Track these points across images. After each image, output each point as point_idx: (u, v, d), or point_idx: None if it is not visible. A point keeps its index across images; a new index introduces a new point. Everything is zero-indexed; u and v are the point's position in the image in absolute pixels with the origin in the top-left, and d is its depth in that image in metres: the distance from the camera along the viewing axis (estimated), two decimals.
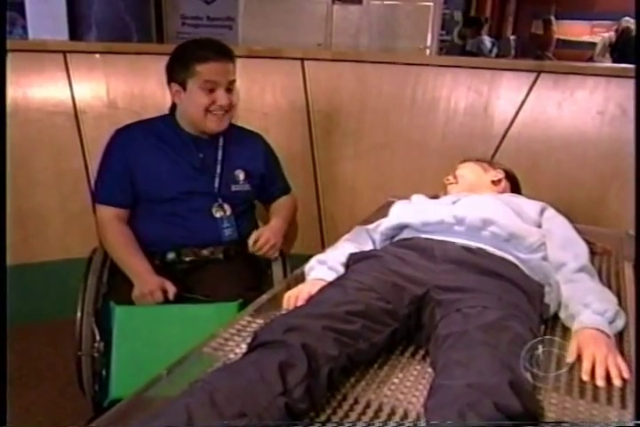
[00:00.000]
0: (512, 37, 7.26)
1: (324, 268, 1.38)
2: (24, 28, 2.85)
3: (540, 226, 1.49)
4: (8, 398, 0.99)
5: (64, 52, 2.15)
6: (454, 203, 1.53)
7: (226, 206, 1.78)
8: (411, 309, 1.18)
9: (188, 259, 1.76)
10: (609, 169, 2.07)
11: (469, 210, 1.42)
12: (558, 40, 7.08)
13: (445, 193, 1.72)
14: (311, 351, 0.96)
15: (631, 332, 1.22)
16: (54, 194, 2.24)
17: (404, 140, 2.29)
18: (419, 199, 1.63)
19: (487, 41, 6.08)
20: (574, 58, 6.52)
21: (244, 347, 1.13)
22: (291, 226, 2.23)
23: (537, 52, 6.48)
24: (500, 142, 2.17)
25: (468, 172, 1.74)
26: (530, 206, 1.54)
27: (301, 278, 1.42)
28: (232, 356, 1.10)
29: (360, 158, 2.36)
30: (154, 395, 0.98)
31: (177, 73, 1.69)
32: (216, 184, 1.78)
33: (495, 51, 6.18)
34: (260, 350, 0.99)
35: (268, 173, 1.90)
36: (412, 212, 1.51)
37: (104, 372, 1.52)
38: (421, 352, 1.17)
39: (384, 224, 1.53)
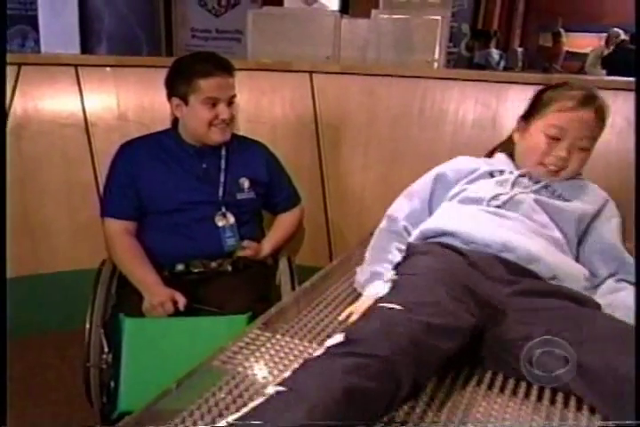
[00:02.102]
0: (519, 50, 7.28)
1: (380, 282, 1.33)
2: (37, 41, 2.89)
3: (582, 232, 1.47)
4: (15, 408, 0.99)
5: (76, 66, 2.18)
6: (499, 207, 1.41)
7: (229, 215, 1.79)
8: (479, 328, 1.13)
9: (196, 270, 1.77)
10: (616, 181, 2.06)
11: (518, 238, 1.33)
12: (566, 52, 7.11)
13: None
14: (406, 382, 0.94)
15: None
16: (64, 205, 2.26)
17: (412, 153, 2.30)
18: (465, 161, 1.64)
19: (495, 53, 6.10)
20: (581, 70, 6.54)
21: (252, 360, 1.13)
22: (298, 237, 2.24)
23: (545, 64, 6.50)
24: None
25: None
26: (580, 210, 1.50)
27: (310, 291, 1.42)
28: (241, 369, 1.10)
29: (368, 171, 2.36)
30: (163, 408, 0.98)
31: (178, 87, 1.71)
32: (220, 193, 1.79)
33: (503, 63, 6.19)
34: (355, 360, 0.93)
35: (271, 182, 1.91)
36: (458, 219, 1.41)
37: (112, 384, 1.53)
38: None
39: (425, 225, 1.44)
